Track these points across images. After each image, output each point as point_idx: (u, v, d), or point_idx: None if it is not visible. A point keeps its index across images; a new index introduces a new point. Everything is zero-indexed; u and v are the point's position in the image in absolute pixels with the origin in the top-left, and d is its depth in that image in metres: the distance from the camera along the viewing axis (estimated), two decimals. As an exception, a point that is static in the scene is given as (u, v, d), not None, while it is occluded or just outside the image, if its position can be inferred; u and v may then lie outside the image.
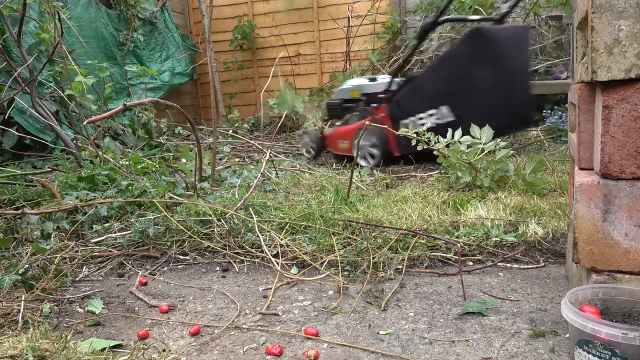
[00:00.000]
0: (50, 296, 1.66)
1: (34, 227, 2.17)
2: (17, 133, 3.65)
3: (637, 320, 1.09)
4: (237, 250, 1.99)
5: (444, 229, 1.98)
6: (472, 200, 2.24)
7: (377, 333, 1.34)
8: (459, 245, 1.75)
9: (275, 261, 1.81)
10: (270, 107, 5.76)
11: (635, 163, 1.10)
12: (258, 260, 1.92)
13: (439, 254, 1.81)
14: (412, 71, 4.92)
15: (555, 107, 4.19)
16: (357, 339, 1.31)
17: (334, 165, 3.80)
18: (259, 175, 2.66)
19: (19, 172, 3.12)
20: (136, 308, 1.60)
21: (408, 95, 3.40)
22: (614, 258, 1.15)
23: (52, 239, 2.11)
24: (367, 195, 2.57)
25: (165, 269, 1.94)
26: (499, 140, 2.48)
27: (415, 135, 2.46)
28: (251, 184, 2.75)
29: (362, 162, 3.57)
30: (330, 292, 1.62)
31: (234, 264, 1.91)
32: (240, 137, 4.71)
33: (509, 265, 1.74)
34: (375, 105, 3.59)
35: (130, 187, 2.52)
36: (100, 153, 3.16)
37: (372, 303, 1.52)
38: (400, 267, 1.75)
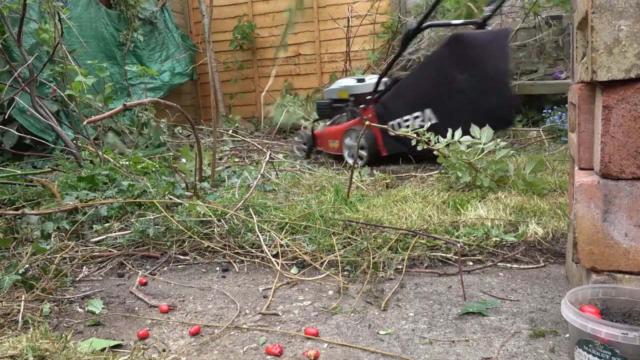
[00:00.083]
0: (50, 296, 1.66)
1: (34, 227, 2.17)
2: (17, 133, 3.65)
3: (637, 320, 1.09)
4: (237, 250, 1.99)
5: (444, 229, 1.98)
6: (472, 200, 2.24)
7: (377, 333, 1.34)
8: (459, 245, 1.75)
9: (275, 261, 1.81)
10: (271, 117, 5.77)
11: (635, 163, 1.10)
12: (258, 260, 1.92)
13: (439, 254, 1.81)
14: (409, 66, 4.95)
15: (555, 107, 4.19)
16: (357, 339, 1.31)
17: (334, 165, 3.80)
18: (259, 175, 2.66)
19: (19, 172, 3.12)
20: (136, 308, 1.60)
21: (394, 97, 3.49)
22: (613, 258, 1.16)
23: (52, 239, 2.11)
24: (367, 195, 2.57)
25: (165, 269, 1.94)
26: (498, 140, 2.48)
27: (415, 135, 2.46)
28: (251, 184, 2.75)
29: (350, 161, 3.69)
30: (330, 292, 1.62)
31: (234, 264, 1.91)
32: (241, 137, 4.71)
33: (509, 265, 1.74)
34: (363, 106, 3.68)
35: (130, 187, 2.52)
36: (100, 153, 3.16)
37: (372, 303, 1.52)
38: (400, 267, 1.75)
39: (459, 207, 2.18)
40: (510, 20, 4.77)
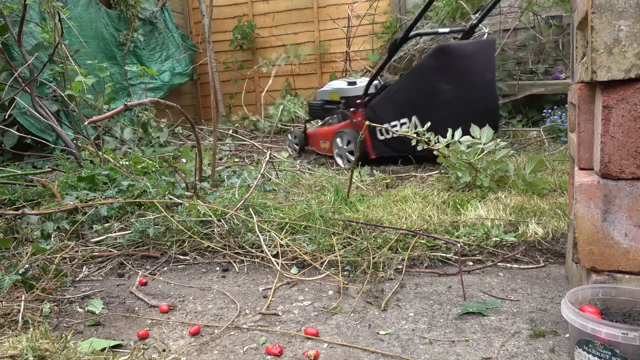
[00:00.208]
0: (50, 296, 1.66)
1: (34, 227, 2.17)
2: (18, 133, 3.65)
3: (637, 320, 1.09)
4: (237, 250, 1.99)
5: (444, 229, 1.98)
6: (472, 200, 2.24)
7: (377, 333, 1.34)
8: (459, 245, 1.75)
9: (275, 261, 1.81)
10: (272, 115, 5.79)
11: (635, 163, 1.10)
12: (258, 260, 1.92)
13: (439, 254, 1.81)
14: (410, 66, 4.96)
15: (555, 107, 4.19)
16: (357, 339, 1.32)
17: (334, 165, 3.80)
18: (259, 175, 2.66)
19: (19, 172, 3.12)
20: (136, 308, 1.60)
21: (383, 102, 3.53)
22: (613, 258, 1.16)
23: (52, 239, 2.11)
24: (367, 195, 2.57)
25: (165, 269, 1.94)
26: (498, 140, 2.49)
27: (415, 135, 2.46)
28: (251, 184, 2.75)
29: (340, 162, 3.76)
30: (330, 292, 1.62)
31: (234, 264, 1.91)
32: (241, 137, 4.72)
33: (509, 265, 1.74)
34: (353, 109, 3.73)
35: (130, 187, 2.52)
36: (100, 153, 3.16)
37: (372, 303, 1.52)
38: (400, 267, 1.75)
39: (459, 207, 2.18)
40: (511, 20, 4.77)
